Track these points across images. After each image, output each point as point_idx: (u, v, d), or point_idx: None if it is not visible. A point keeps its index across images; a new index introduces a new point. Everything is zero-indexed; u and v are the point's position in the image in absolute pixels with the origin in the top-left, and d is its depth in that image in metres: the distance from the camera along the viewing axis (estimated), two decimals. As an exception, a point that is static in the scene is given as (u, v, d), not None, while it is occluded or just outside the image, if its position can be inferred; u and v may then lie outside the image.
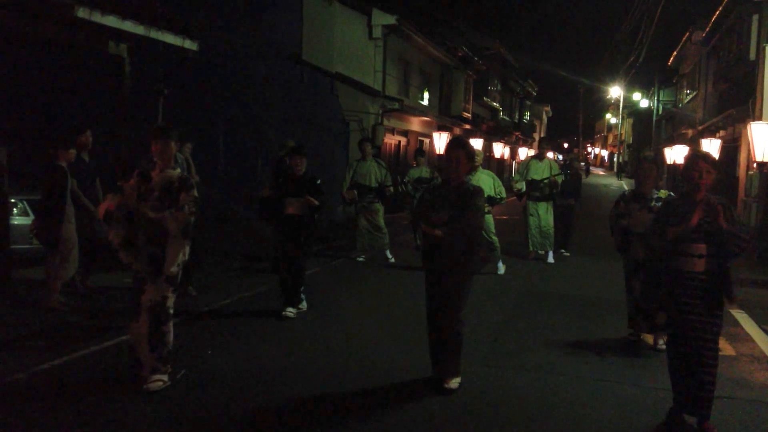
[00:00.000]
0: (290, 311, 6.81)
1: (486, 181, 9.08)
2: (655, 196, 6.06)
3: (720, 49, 20.57)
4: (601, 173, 58.57)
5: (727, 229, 4.12)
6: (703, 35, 22.43)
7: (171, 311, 4.79)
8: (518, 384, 5.12)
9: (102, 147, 8.17)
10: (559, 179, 11.03)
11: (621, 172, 49.36)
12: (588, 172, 49.95)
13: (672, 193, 5.96)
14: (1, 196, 7.48)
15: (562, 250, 11.83)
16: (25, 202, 8.08)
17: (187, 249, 4.81)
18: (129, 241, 4.75)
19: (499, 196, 9.27)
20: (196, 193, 4.85)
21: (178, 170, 4.93)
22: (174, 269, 4.70)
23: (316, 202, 6.81)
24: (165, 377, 4.73)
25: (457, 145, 4.92)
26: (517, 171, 11.68)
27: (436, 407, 4.57)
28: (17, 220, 7.91)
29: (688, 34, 25.62)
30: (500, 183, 9.35)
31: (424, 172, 11.21)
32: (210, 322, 6.64)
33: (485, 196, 8.95)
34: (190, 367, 5.12)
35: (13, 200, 7.87)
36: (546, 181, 10.87)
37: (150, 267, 4.71)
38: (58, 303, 6.69)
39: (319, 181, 6.92)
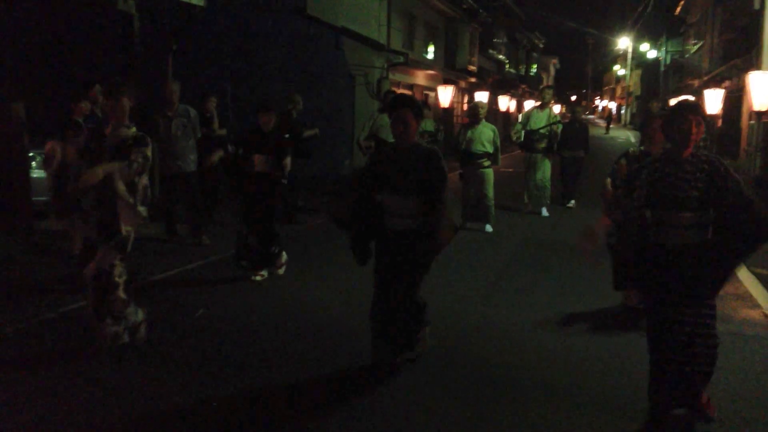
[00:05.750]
0: (262, 274, 6.56)
1: (487, 135, 9.32)
2: None
3: (726, -2, 20.43)
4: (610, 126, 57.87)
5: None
6: (710, -16, 22.25)
7: (120, 279, 4.50)
8: (513, 320, 5.47)
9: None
10: (558, 128, 11.13)
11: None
12: (608, 129, 47.28)
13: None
14: (21, 149, 7.82)
15: (572, 201, 11.90)
16: (43, 156, 8.36)
17: (142, 213, 4.52)
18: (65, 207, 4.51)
19: (496, 153, 9.44)
20: (149, 153, 4.50)
21: (134, 129, 4.58)
22: (124, 232, 4.44)
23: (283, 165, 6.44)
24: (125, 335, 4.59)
25: (403, 102, 4.38)
26: (519, 121, 11.54)
27: (432, 340, 4.76)
28: (36, 173, 8.21)
29: (695, -18, 25.37)
30: (499, 137, 9.50)
31: (428, 125, 11.09)
32: (220, 269, 6.94)
33: (485, 151, 9.29)
34: (186, 317, 5.40)
35: (31, 154, 8.17)
36: (543, 130, 10.86)
37: (99, 233, 4.48)
38: (80, 251, 7.06)
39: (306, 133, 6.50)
